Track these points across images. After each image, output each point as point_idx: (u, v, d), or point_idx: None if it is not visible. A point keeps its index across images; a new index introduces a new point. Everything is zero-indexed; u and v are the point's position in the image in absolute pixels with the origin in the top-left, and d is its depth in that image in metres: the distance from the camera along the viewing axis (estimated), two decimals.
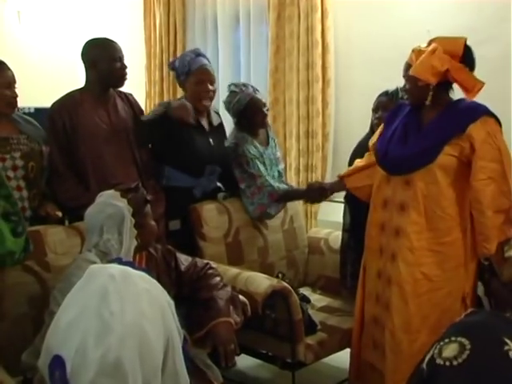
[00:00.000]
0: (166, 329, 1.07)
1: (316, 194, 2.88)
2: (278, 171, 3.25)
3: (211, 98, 3.03)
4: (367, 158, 2.67)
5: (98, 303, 1.01)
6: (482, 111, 2.28)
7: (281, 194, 3.04)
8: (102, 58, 2.75)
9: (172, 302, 1.14)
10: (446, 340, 1.12)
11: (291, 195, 3.13)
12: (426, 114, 2.38)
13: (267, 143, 3.25)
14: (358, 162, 2.73)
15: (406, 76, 2.36)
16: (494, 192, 2.24)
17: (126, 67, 2.80)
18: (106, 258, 1.91)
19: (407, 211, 2.34)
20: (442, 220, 2.31)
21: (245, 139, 3.09)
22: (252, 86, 3.21)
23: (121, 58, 2.79)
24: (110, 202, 2.03)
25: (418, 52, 2.29)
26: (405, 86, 2.41)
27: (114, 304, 1.00)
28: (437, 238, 2.32)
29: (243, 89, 3.13)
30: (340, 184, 2.80)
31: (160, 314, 1.07)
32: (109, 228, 2.00)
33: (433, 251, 2.32)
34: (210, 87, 2.98)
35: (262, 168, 3.08)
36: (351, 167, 2.77)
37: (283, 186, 3.14)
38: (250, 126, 3.13)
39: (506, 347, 1.05)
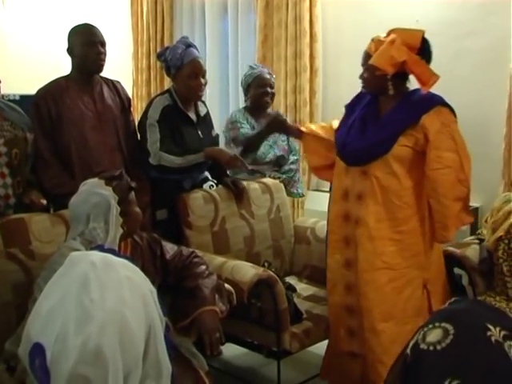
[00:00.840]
0: (147, 317, 1.06)
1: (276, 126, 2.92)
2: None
3: (203, 89, 3.01)
4: (328, 129, 2.67)
5: (78, 290, 1.00)
6: (435, 101, 2.30)
7: (243, 140, 3.07)
8: (77, 44, 2.73)
9: (154, 290, 1.13)
10: (430, 326, 1.13)
11: (255, 137, 3.16)
12: (383, 104, 2.41)
13: None
14: (319, 127, 2.74)
15: (365, 65, 2.37)
16: (451, 181, 2.27)
17: (102, 52, 2.74)
18: (91, 245, 1.90)
19: (365, 201, 2.36)
20: (400, 209, 2.33)
21: (238, 110, 3.38)
22: (268, 69, 3.50)
23: (96, 43, 2.73)
24: (95, 191, 2.01)
25: (377, 42, 2.31)
26: (362, 74, 2.42)
27: (95, 291, 0.99)
28: (395, 226, 2.34)
29: (257, 67, 3.47)
30: (297, 133, 2.82)
31: (141, 302, 1.06)
32: (95, 217, 1.98)
33: (393, 240, 2.35)
34: (202, 80, 2.97)
35: (244, 128, 3.33)
36: (313, 127, 2.77)
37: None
38: (251, 102, 3.41)
39: (489, 333, 1.06)
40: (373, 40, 2.35)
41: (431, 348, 1.09)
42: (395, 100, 2.37)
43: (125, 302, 1.02)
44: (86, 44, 2.71)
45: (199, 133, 3.01)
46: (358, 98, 2.56)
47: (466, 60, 3.57)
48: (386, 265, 2.34)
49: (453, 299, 1.22)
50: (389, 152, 2.31)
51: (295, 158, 3.58)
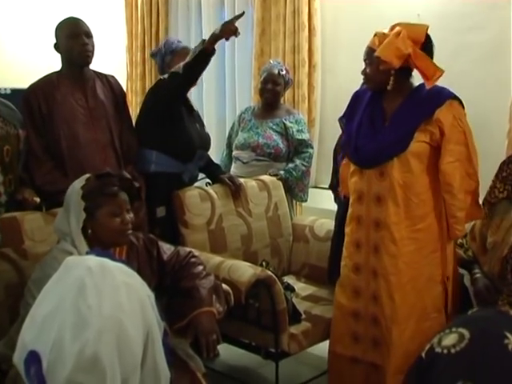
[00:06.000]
0: (145, 322, 1.06)
1: None
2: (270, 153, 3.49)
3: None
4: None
5: (74, 297, 0.99)
6: (446, 95, 2.32)
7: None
8: (61, 37, 2.70)
9: (152, 295, 1.12)
10: (447, 331, 1.14)
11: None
12: (389, 101, 2.40)
13: (265, 118, 3.57)
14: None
15: (368, 60, 2.36)
16: (461, 174, 2.31)
17: (87, 43, 2.68)
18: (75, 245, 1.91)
19: (385, 203, 2.36)
20: (418, 207, 2.35)
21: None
22: (285, 68, 3.62)
23: (80, 34, 2.67)
24: (73, 183, 2.06)
25: (381, 36, 2.30)
26: (365, 69, 2.40)
27: (91, 297, 0.99)
28: (413, 225, 2.35)
29: (272, 63, 3.61)
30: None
31: (139, 308, 1.05)
32: (65, 206, 2.04)
33: (411, 239, 2.36)
34: None
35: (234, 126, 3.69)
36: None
37: None
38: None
39: (506, 341, 1.06)
40: (376, 34, 2.34)
41: (445, 351, 1.09)
42: (401, 96, 2.37)
43: (122, 307, 1.01)
44: (70, 36, 2.67)
45: (197, 125, 3.05)
46: (354, 102, 2.55)
47: (467, 54, 3.57)
48: (405, 265, 2.35)
49: (475, 308, 1.23)
50: (407, 149, 2.30)
51: (309, 151, 3.56)
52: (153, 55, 3.21)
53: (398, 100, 2.37)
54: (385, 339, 2.38)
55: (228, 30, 2.75)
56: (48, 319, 0.99)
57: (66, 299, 1.00)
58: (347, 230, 2.52)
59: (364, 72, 2.42)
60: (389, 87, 2.32)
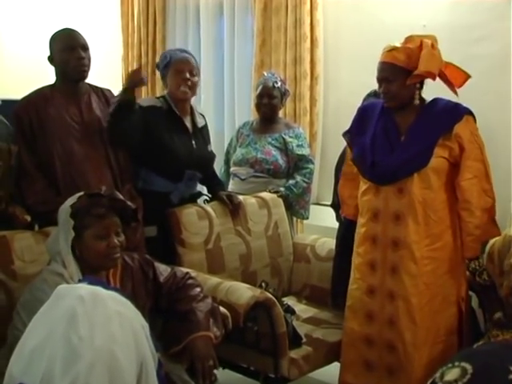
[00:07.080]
0: (138, 353, 1.06)
1: None
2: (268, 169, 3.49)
3: (191, 88, 2.96)
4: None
5: (65, 327, 0.99)
6: (463, 110, 2.35)
7: None
8: (56, 51, 2.68)
9: (146, 325, 1.12)
10: (450, 365, 1.14)
11: None
12: (401, 115, 2.41)
13: (263, 133, 3.59)
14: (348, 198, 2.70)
15: (391, 76, 2.33)
16: (479, 191, 2.34)
17: (83, 57, 2.66)
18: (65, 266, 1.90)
19: (404, 221, 2.36)
20: (436, 224, 2.36)
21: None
22: (281, 79, 3.65)
23: (76, 47, 2.65)
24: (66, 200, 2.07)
25: (403, 49, 2.30)
26: (386, 88, 2.36)
27: (83, 328, 0.98)
28: (432, 243, 2.37)
29: (266, 76, 3.62)
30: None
31: (132, 338, 1.05)
32: (58, 224, 2.06)
33: (429, 258, 2.37)
34: (188, 75, 2.93)
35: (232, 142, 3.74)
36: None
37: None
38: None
39: (511, 376, 1.06)
40: (394, 49, 2.32)
41: None
42: (414, 110, 2.38)
43: (115, 338, 1.01)
44: (66, 49, 2.64)
45: (193, 143, 3.00)
46: (361, 116, 2.56)
47: (474, 66, 3.54)
48: (425, 286, 2.36)
49: (481, 342, 1.23)
50: (428, 165, 2.32)
51: (309, 167, 3.57)
52: (157, 67, 3.19)
53: (412, 114, 2.39)
54: (402, 366, 2.37)
55: (131, 82, 2.71)
56: (37, 351, 0.99)
57: (56, 330, 1.00)
58: (360, 250, 2.50)
59: (386, 90, 2.38)
60: (416, 102, 2.35)
